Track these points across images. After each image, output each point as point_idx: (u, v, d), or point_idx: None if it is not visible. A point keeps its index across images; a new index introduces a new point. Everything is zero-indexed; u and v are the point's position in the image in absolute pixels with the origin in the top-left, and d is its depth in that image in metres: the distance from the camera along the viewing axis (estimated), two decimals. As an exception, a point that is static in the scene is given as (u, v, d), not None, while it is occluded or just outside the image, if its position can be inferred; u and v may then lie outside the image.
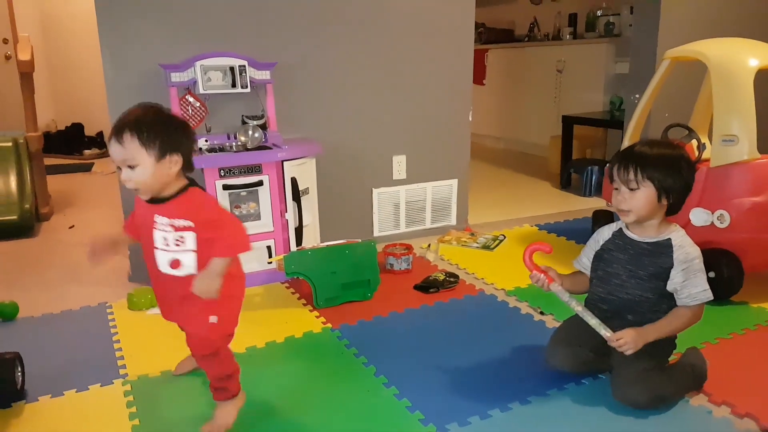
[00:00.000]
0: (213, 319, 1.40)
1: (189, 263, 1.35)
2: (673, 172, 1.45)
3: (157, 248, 1.35)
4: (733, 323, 1.99)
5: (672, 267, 1.49)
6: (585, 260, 1.67)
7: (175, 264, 1.35)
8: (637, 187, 1.46)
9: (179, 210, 1.32)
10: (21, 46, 3.49)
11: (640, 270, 1.53)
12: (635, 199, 1.47)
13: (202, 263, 1.34)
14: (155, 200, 1.34)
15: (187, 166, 1.34)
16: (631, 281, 1.54)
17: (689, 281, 1.48)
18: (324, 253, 2.22)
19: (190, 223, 1.32)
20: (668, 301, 1.53)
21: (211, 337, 1.42)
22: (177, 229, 1.32)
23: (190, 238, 1.33)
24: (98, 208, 3.70)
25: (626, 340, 1.46)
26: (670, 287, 1.50)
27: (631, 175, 1.45)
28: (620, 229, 1.60)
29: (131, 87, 2.38)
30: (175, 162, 1.29)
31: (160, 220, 1.33)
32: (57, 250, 2.97)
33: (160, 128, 1.28)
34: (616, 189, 1.50)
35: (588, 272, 1.65)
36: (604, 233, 1.63)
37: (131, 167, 1.27)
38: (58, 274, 2.62)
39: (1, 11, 5.21)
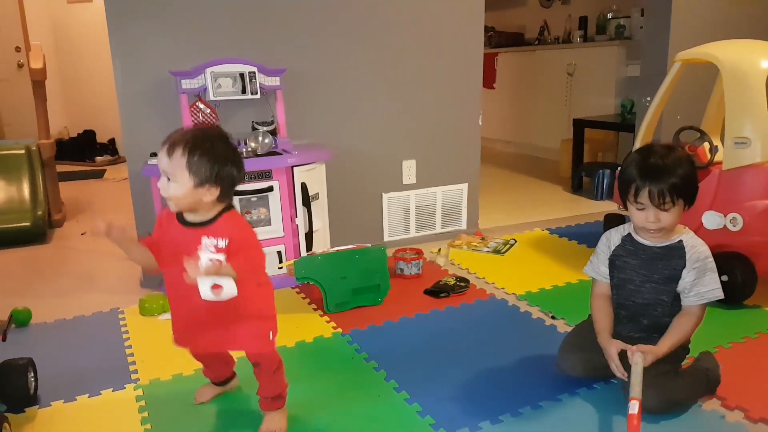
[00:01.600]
0: (271, 335, 1.46)
1: (229, 286, 1.30)
2: (695, 182, 1.45)
3: (200, 275, 1.30)
4: (746, 327, 1.97)
5: (685, 268, 1.48)
6: (603, 268, 1.62)
7: (216, 288, 1.30)
8: (671, 207, 1.43)
9: (222, 230, 1.33)
10: (33, 55, 3.53)
11: (654, 274, 1.52)
12: (666, 218, 1.44)
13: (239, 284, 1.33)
14: (197, 224, 1.34)
15: (224, 197, 1.34)
16: (646, 286, 1.53)
17: (699, 280, 1.48)
18: (334, 258, 2.22)
19: (227, 243, 1.32)
20: (680, 304, 1.52)
21: (274, 350, 1.48)
22: (218, 250, 1.31)
23: (224, 261, 1.32)
24: (110, 214, 3.73)
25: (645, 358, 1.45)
26: (679, 287, 1.50)
27: (667, 199, 1.41)
28: (629, 233, 1.58)
29: (142, 94, 2.40)
30: (211, 192, 1.30)
31: (207, 242, 1.32)
32: (69, 257, 3.00)
33: (211, 158, 1.28)
34: (642, 209, 1.45)
35: (607, 280, 1.62)
36: (614, 238, 1.61)
37: (169, 179, 1.28)
38: (71, 281, 2.64)
39: (13, 20, 5.30)
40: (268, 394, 1.49)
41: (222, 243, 1.32)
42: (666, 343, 1.48)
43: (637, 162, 1.45)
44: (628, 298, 1.57)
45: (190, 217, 1.35)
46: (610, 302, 1.62)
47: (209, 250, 1.32)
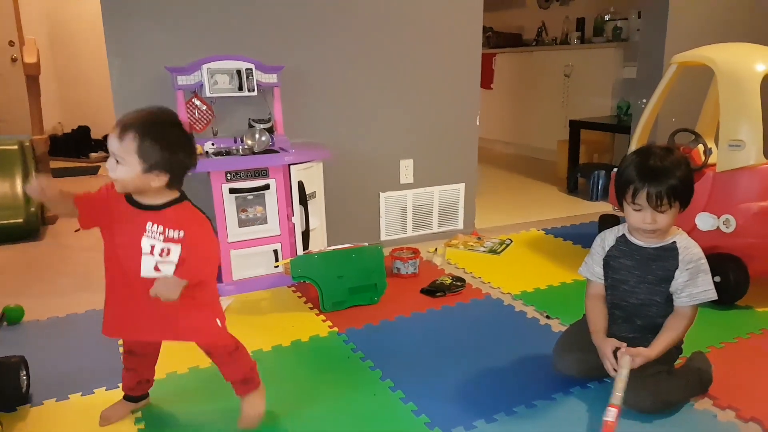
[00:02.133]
0: (219, 322, 1.46)
1: (168, 274, 1.33)
2: (692, 185, 1.45)
3: (144, 254, 1.33)
4: (738, 327, 1.98)
5: (678, 268, 1.49)
6: (598, 269, 1.63)
7: (157, 270, 1.33)
8: (667, 210, 1.44)
9: (174, 221, 1.32)
10: (27, 49, 3.51)
11: (648, 275, 1.53)
12: (662, 220, 1.45)
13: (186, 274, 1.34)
14: (145, 207, 1.33)
15: (174, 184, 1.34)
16: (641, 286, 1.54)
17: (692, 281, 1.49)
18: (331, 257, 2.22)
19: (182, 234, 1.32)
20: (672, 305, 1.53)
21: (226, 335, 1.47)
22: (167, 239, 1.32)
23: (175, 250, 1.32)
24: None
25: (635, 360, 1.46)
26: (672, 287, 1.51)
27: (665, 201, 1.42)
28: (623, 234, 1.58)
29: (138, 90, 2.39)
30: (160, 179, 1.29)
31: (152, 228, 1.32)
32: (63, 254, 2.98)
33: (162, 144, 1.27)
34: (638, 210, 1.46)
35: (602, 281, 1.63)
36: (608, 239, 1.61)
37: (118, 162, 1.27)
38: (64, 278, 2.63)
39: (7, 14, 5.26)
40: (235, 378, 1.50)
41: (174, 234, 1.32)
42: (658, 346, 1.49)
43: (636, 163, 1.45)
44: (622, 299, 1.58)
45: (139, 198, 1.34)
46: (605, 302, 1.63)
47: (153, 236, 1.32)
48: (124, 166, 1.27)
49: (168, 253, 1.32)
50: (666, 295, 1.52)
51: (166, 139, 1.28)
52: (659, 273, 1.51)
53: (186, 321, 1.40)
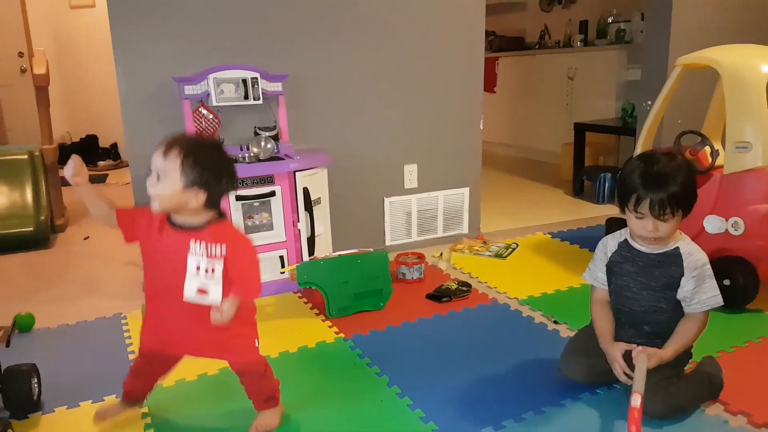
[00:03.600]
0: (257, 342, 1.50)
1: (215, 292, 1.35)
2: (695, 193, 1.45)
3: (188, 275, 1.34)
4: (748, 331, 1.97)
5: (683, 275, 1.48)
6: (601, 275, 1.62)
7: (202, 291, 1.35)
8: (670, 218, 1.43)
9: (216, 237, 1.34)
10: (36, 60, 3.55)
11: (652, 281, 1.52)
12: (664, 228, 1.44)
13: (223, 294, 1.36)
14: (185, 227, 1.35)
15: (211, 205, 1.35)
16: (644, 293, 1.53)
17: (699, 288, 1.48)
18: (336, 262, 2.23)
19: (224, 250, 1.34)
20: (682, 310, 1.52)
21: (260, 356, 1.51)
22: (211, 257, 1.34)
23: (219, 268, 1.34)
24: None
25: (652, 360, 1.45)
26: (680, 295, 1.50)
27: (667, 210, 1.41)
28: (626, 240, 1.57)
29: (145, 100, 2.41)
30: (198, 197, 1.31)
31: (196, 246, 1.34)
32: (72, 262, 3.00)
33: (205, 164, 1.30)
34: (640, 218, 1.45)
35: (605, 287, 1.62)
36: (610, 244, 1.60)
37: (159, 178, 1.30)
38: (74, 286, 2.65)
39: (16, 25, 5.31)
40: (258, 397, 1.52)
41: (217, 250, 1.34)
42: (671, 348, 1.48)
43: (640, 171, 1.43)
44: (625, 305, 1.57)
45: (179, 219, 1.36)
46: (610, 307, 1.62)
47: (198, 255, 1.33)
48: (164, 182, 1.29)
49: (213, 272, 1.34)
50: (673, 302, 1.51)
51: (209, 159, 1.33)
52: (663, 279, 1.50)
53: (230, 338, 1.42)
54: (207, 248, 1.34)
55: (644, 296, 1.53)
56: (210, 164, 1.32)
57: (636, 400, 1.35)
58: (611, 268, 1.59)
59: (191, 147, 1.31)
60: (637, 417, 1.32)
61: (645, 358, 1.44)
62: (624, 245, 1.57)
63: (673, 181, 1.40)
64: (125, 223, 1.39)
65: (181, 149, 1.29)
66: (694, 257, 1.48)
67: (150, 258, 1.40)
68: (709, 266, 1.49)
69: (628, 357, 1.50)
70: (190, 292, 1.34)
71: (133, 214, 1.40)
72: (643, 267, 1.53)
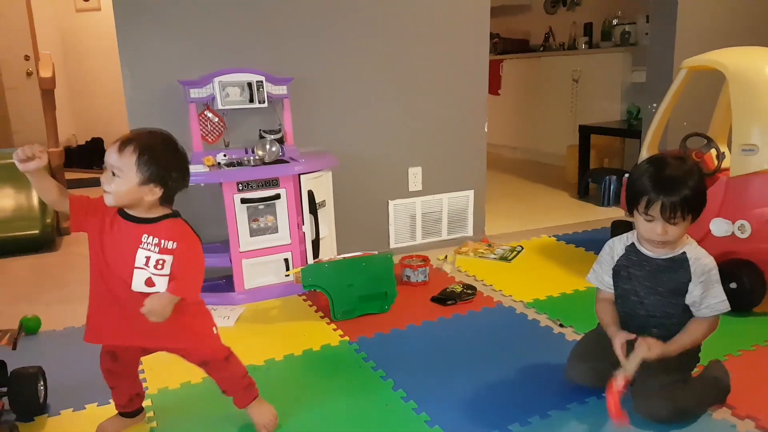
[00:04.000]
0: (215, 329, 1.51)
1: (161, 286, 1.36)
2: (705, 198, 1.44)
3: (136, 267, 1.35)
4: (755, 335, 1.96)
5: (690, 281, 1.47)
6: (607, 278, 1.60)
7: (149, 283, 1.35)
8: (680, 222, 1.42)
9: (169, 233, 1.36)
10: (42, 64, 3.56)
11: (659, 287, 1.51)
12: (673, 232, 1.43)
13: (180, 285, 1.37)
14: (139, 219, 1.36)
15: (166, 200, 1.38)
16: (651, 298, 1.52)
17: (708, 292, 1.47)
18: (341, 265, 2.23)
19: (175, 246, 1.35)
20: (691, 315, 1.51)
21: (220, 344, 1.51)
22: (162, 251, 1.35)
23: (169, 262, 1.35)
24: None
25: (653, 347, 1.45)
26: (688, 300, 1.49)
27: (678, 214, 1.40)
28: (633, 243, 1.56)
29: (151, 103, 2.42)
30: (153, 192, 1.33)
31: (148, 240, 1.35)
32: (78, 264, 3.01)
33: (159, 160, 1.32)
34: (650, 221, 1.44)
35: (611, 290, 1.61)
36: (617, 248, 1.59)
37: (115, 174, 1.31)
38: (80, 288, 2.64)
39: (22, 28, 5.34)
40: (235, 387, 1.52)
41: (170, 244, 1.35)
42: (675, 344, 1.47)
43: (651, 174, 1.42)
44: (632, 309, 1.56)
45: (132, 212, 1.37)
46: (614, 305, 1.61)
47: (149, 248, 1.35)
48: (120, 178, 1.30)
49: (162, 265, 1.35)
50: (681, 307, 1.50)
51: (164, 154, 1.34)
52: (670, 285, 1.49)
53: (184, 329, 1.42)
54: (159, 242, 1.35)
55: (651, 301, 1.52)
56: (165, 161, 1.33)
57: (619, 382, 1.40)
58: (618, 271, 1.58)
59: (147, 144, 1.32)
60: (616, 397, 1.39)
61: (645, 349, 1.44)
62: (631, 249, 1.56)
63: (685, 185, 1.39)
64: (77, 210, 1.37)
65: (137, 146, 1.30)
66: (702, 262, 1.47)
67: (98, 249, 1.38)
68: (716, 271, 1.48)
69: (632, 348, 1.49)
70: (138, 283, 1.35)
71: (87, 203, 1.38)
72: (650, 272, 1.52)
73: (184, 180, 1.40)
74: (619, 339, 1.49)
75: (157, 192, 1.33)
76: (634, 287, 1.55)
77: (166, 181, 1.34)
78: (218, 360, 1.50)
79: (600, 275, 1.63)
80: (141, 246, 1.34)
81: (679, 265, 1.49)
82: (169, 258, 1.35)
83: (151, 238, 1.35)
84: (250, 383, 1.55)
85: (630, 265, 1.55)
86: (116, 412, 1.56)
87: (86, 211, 1.37)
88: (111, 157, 1.31)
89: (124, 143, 1.31)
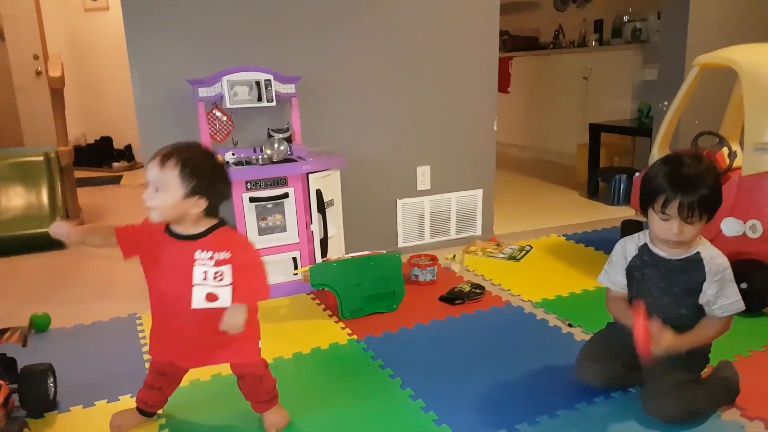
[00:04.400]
0: (259, 343, 1.51)
1: (226, 297, 1.36)
2: (721, 197, 1.42)
3: (195, 285, 1.35)
4: (766, 336, 1.94)
5: (705, 280, 1.46)
6: (620, 279, 1.58)
7: (211, 298, 1.36)
8: (696, 221, 1.40)
9: (221, 243, 1.36)
10: (52, 63, 3.58)
11: (674, 287, 1.49)
12: (689, 231, 1.41)
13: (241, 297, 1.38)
14: (188, 237, 1.36)
15: (211, 212, 1.38)
16: (665, 299, 1.51)
17: (722, 292, 1.46)
18: (349, 264, 2.22)
19: (229, 255, 1.35)
20: (704, 315, 1.50)
21: (261, 358, 1.52)
22: (218, 263, 1.35)
23: (228, 272, 1.35)
24: (127, 219, 3.72)
25: (665, 338, 1.43)
26: (702, 300, 1.47)
27: (696, 213, 1.38)
28: (645, 244, 1.54)
29: (159, 102, 2.43)
30: (198, 205, 1.33)
31: (202, 255, 1.35)
32: (87, 263, 3.03)
33: (202, 171, 1.32)
34: (666, 220, 1.42)
35: (624, 290, 1.59)
36: (629, 248, 1.57)
37: (158, 190, 1.31)
38: (89, 286, 2.67)
39: (31, 29, 5.38)
40: (259, 399, 1.53)
41: (223, 255, 1.35)
42: (686, 339, 1.46)
43: (668, 172, 1.41)
44: (647, 311, 1.54)
45: (179, 229, 1.36)
46: (627, 301, 1.59)
47: (204, 263, 1.34)
48: (163, 192, 1.30)
49: (222, 277, 1.35)
50: (694, 308, 1.49)
51: (206, 166, 1.35)
52: (685, 285, 1.48)
53: (238, 341, 1.42)
54: (213, 255, 1.35)
55: (666, 302, 1.51)
56: (207, 172, 1.34)
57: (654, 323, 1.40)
58: (632, 272, 1.56)
59: (188, 156, 1.32)
60: (645, 323, 1.39)
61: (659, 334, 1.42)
62: (644, 249, 1.54)
63: (703, 184, 1.38)
64: (124, 239, 1.39)
65: (178, 159, 1.30)
66: (716, 261, 1.46)
67: (153, 271, 1.40)
68: (730, 270, 1.47)
69: (638, 359, 1.47)
70: (198, 299, 1.35)
71: (132, 230, 1.41)
72: (665, 273, 1.50)
73: (227, 188, 1.40)
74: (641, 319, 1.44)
75: (201, 204, 1.33)
76: (648, 288, 1.53)
77: (209, 192, 1.34)
78: (254, 376, 1.51)
79: (612, 276, 1.60)
80: (195, 263, 1.34)
81: (693, 265, 1.47)
82: (227, 268, 1.35)
83: (204, 253, 1.35)
84: (274, 396, 1.55)
85: (644, 266, 1.54)
86: (135, 406, 1.56)
87: (135, 242, 1.39)
88: (152, 172, 1.31)
89: (165, 157, 1.31)
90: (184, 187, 1.30)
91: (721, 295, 1.46)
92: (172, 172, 1.30)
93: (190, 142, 1.40)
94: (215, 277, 1.35)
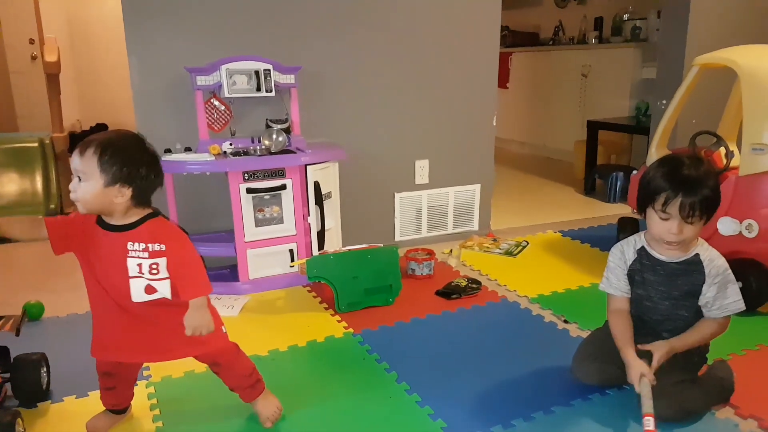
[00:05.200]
0: (224, 328, 1.47)
1: (164, 289, 1.32)
2: (720, 197, 1.41)
3: (131, 277, 1.31)
4: (760, 334, 1.95)
5: (704, 282, 1.46)
6: (623, 284, 1.56)
7: (150, 290, 1.32)
8: (696, 221, 1.40)
9: (153, 235, 1.31)
10: (48, 48, 3.55)
11: (674, 290, 1.49)
12: (689, 231, 1.40)
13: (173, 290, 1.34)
14: (119, 228, 1.31)
15: (140, 200, 1.31)
16: (665, 303, 1.51)
17: (721, 293, 1.46)
18: (346, 257, 2.22)
19: (164, 247, 1.30)
20: (702, 316, 1.51)
21: (229, 342, 1.49)
22: (152, 254, 1.30)
23: (163, 265, 1.31)
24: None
25: (657, 351, 1.45)
26: (701, 301, 1.48)
27: (696, 213, 1.37)
28: (642, 247, 1.53)
29: (157, 90, 2.41)
30: (122, 193, 1.27)
31: (134, 247, 1.30)
32: (82, 250, 3.01)
33: (123, 158, 1.26)
34: (666, 219, 1.41)
35: (628, 295, 1.57)
36: (628, 252, 1.55)
37: (81, 179, 1.26)
38: (83, 275, 2.65)
39: (27, 12, 5.31)
40: (242, 385, 1.51)
41: (157, 247, 1.30)
42: (682, 341, 1.47)
43: (668, 172, 1.40)
44: (645, 314, 1.55)
45: (110, 220, 1.31)
46: (630, 315, 1.56)
47: (138, 255, 1.30)
48: (86, 182, 1.25)
49: (158, 269, 1.30)
50: (694, 309, 1.49)
51: (127, 153, 1.27)
52: (684, 288, 1.48)
53: (198, 336, 1.37)
54: (147, 247, 1.30)
55: (665, 306, 1.51)
56: (130, 158, 1.27)
57: (649, 423, 1.34)
58: (632, 277, 1.55)
59: (107, 143, 1.25)
60: None
61: (647, 382, 1.41)
62: (643, 253, 1.53)
63: (705, 184, 1.37)
64: (53, 235, 1.30)
65: (98, 146, 1.24)
66: (716, 263, 1.46)
67: (89, 265, 1.34)
68: (730, 271, 1.47)
69: (644, 355, 1.48)
70: (137, 292, 1.31)
71: (62, 224, 1.31)
72: (665, 276, 1.50)
73: (156, 177, 1.32)
74: (637, 370, 1.43)
75: (126, 193, 1.26)
76: (648, 292, 1.53)
77: (133, 179, 1.26)
78: (228, 362, 1.48)
79: (614, 282, 1.57)
80: (129, 255, 1.29)
81: (693, 267, 1.47)
82: (162, 260, 1.30)
83: (136, 244, 1.29)
84: (257, 380, 1.53)
85: (643, 269, 1.53)
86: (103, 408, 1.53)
87: (64, 233, 1.31)
88: (74, 161, 1.25)
89: (84, 144, 1.25)
90: (104, 176, 1.24)
91: (721, 296, 1.46)
92: (91, 160, 1.23)
93: (120, 129, 1.33)
94: (150, 270, 1.30)
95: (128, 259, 1.30)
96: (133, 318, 1.35)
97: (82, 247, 1.33)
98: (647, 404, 1.37)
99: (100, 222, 1.32)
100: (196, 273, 1.33)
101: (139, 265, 1.30)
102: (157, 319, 1.36)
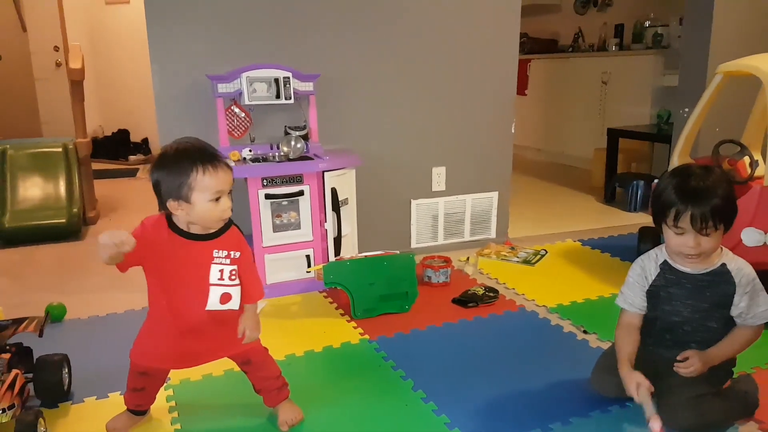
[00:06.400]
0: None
1: (236, 297, 1.37)
2: (735, 206, 1.38)
3: (212, 284, 1.34)
4: (786, 348, 1.91)
5: (735, 293, 1.43)
6: (639, 301, 1.53)
7: (225, 298, 1.36)
8: (713, 232, 1.36)
9: (234, 242, 1.37)
10: (72, 55, 3.61)
11: (703, 303, 1.46)
12: (706, 243, 1.37)
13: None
14: (206, 236, 1.35)
15: None
16: (695, 316, 1.47)
17: (753, 302, 1.43)
18: (363, 263, 2.22)
19: (239, 254, 1.38)
20: (733, 326, 1.48)
21: (260, 344, 1.52)
22: (232, 261, 1.36)
23: (237, 270, 1.37)
24: (142, 212, 3.75)
25: (695, 368, 1.43)
26: (734, 312, 1.45)
27: (710, 224, 1.34)
28: (665, 261, 1.49)
29: (179, 96, 2.44)
30: (182, 207, 1.31)
31: (219, 254, 1.35)
32: (103, 254, 3.05)
33: (153, 175, 1.34)
34: (681, 233, 1.38)
35: (643, 312, 1.53)
36: (649, 268, 1.52)
37: (227, 194, 1.32)
38: (104, 278, 2.68)
39: (52, 20, 5.43)
40: (269, 387, 1.53)
41: (235, 254, 1.37)
42: (716, 352, 1.44)
43: (676, 184, 1.37)
44: (673, 327, 1.51)
45: (194, 229, 1.34)
46: (638, 331, 1.54)
47: (221, 262, 1.35)
48: (225, 197, 1.33)
49: (235, 275, 1.36)
50: (723, 320, 1.46)
51: (156, 168, 1.33)
52: (714, 299, 1.45)
53: (236, 335, 1.42)
54: (228, 254, 1.36)
55: (695, 319, 1.47)
56: (157, 173, 1.30)
57: (655, 425, 1.33)
58: (657, 293, 1.50)
59: (153, 167, 1.31)
60: None
61: (645, 390, 1.40)
62: (666, 267, 1.49)
63: (714, 194, 1.34)
64: (133, 255, 1.24)
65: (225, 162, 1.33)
66: (744, 272, 1.43)
67: (160, 274, 1.35)
68: (758, 279, 1.44)
69: (655, 372, 1.46)
70: (214, 300, 1.34)
71: (142, 241, 1.25)
72: (692, 290, 1.46)
73: (176, 179, 1.27)
74: (632, 381, 1.42)
75: (184, 205, 1.29)
76: (676, 308, 1.49)
77: (162, 193, 1.30)
78: (259, 360, 1.51)
79: (630, 298, 1.54)
80: (213, 261, 1.34)
81: (721, 278, 1.44)
82: (236, 267, 1.37)
83: (221, 251, 1.35)
84: (284, 383, 1.56)
85: (668, 284, 1.49)
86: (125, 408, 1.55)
87: (140, 255, 1.27)
88: (221, 179, 1.32)
89: (219, 160, 1.33)
90: (158, 198, 1.31)
91: (753, 305, 1.43)
92: (230, 177, 1.35)
93: (196, 139, 1.36)
94: (230, 276, 1.35)
95: (212, 266, 1.35)
96: (186, 330, 1.38)
97: (155, 257, 1.32)
98: (649, 409, 1.36)
99: (177, 230, 1.33)
100: (257, 278, 1.43)
101: (221, 271, 1.35)
102: (207, 328, 1.39)
